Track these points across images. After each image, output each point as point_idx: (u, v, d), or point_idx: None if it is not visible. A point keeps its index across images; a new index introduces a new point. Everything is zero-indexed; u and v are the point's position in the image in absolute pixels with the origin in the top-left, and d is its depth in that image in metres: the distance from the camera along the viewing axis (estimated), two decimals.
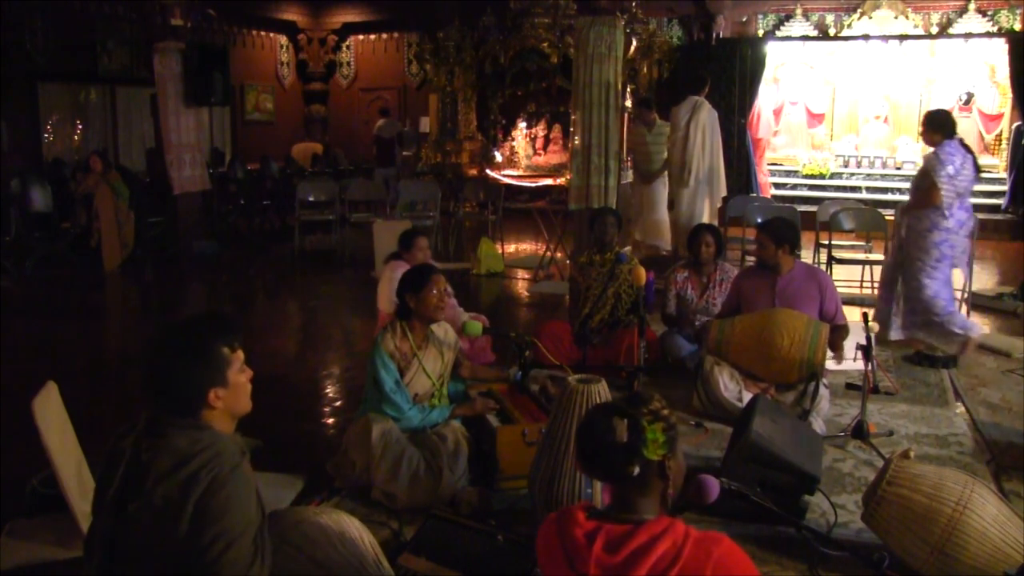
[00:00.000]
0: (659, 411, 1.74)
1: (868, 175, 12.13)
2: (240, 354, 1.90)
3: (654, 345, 4.70)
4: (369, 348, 3.49)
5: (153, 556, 1.72)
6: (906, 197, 10.84)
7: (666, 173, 8.22)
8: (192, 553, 1.69)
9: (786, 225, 4.40)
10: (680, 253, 7.56)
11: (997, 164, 11.66)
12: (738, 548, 1.65)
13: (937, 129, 5.22)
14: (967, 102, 11.91)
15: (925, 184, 5.19)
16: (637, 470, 1.68)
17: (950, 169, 5.11)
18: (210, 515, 1.70)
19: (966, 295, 6.47)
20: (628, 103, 10.15)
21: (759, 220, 6.22)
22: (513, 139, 12.22)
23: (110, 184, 8.30)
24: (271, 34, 14.47)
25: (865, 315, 3.95)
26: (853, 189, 11.79)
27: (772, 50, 11.82)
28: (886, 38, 11.50)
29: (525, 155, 12.09)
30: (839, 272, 6.93)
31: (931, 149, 5.29)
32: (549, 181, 10.81)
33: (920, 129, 5.62)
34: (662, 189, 8.36)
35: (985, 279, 7.68)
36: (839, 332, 4.20)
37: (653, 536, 1.63)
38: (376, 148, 13.27)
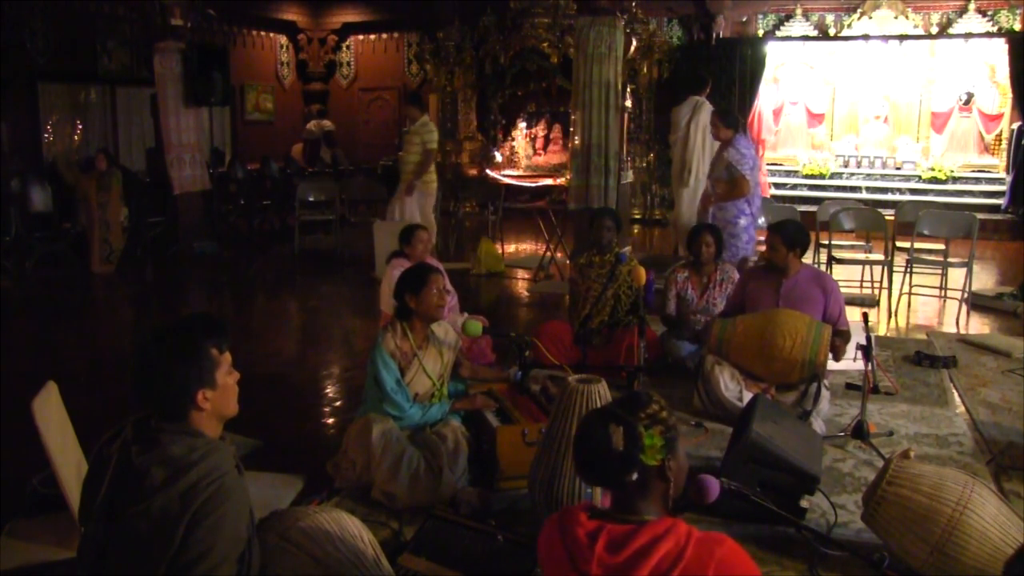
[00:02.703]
0: (657, 414, 1.72)
1: (868, 175, 12.13)
2: (228, 356, 1.90)
3: (654, 345, 4.70)
4: (369, 348, 3.49)
5: (146, 563, 1.71)
6: (906, 197, 10.92)
7: (429, 183, 7.80)
8: (177, 562, 1.69)
9: (798, 229, 4.42)
10: (680, 253, 7.56)
11: (997, 164, 11.67)
12: (740, 549, 1.65)
13: (730, 126, 5.91)
14: (967, 102, 11.91)
15: (731, 176, 5.85)
16: (635, 476, 1.67)
17: (750, 161, 5.88)
18: (202, 531, 1.70)
19: (966, 295, 6.47)
20: (628, 103, 10.16)
21: (770, 221, 6.27)
22: (513, 139, 12.23)
23: (105, 181, 8.29)
24: (271, 34, 14.46)
25: (865, 315, 3.95)
26: (853, 189, 11.79)
27: (772, 50, 11.82)
28: (886, 38, 11.51)
29: (525, 155, 12.10)
30: (839, 272, 6.93)
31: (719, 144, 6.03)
32: (549, 181, 10.82)
33: (712, 129, 6.08)
34: (416, 200, 7.84)
35: (985, 279, 7.68)
36: (841, 337, 4.19)
37: (655, 536, 1.62)
38: (305, 148, 13.33)
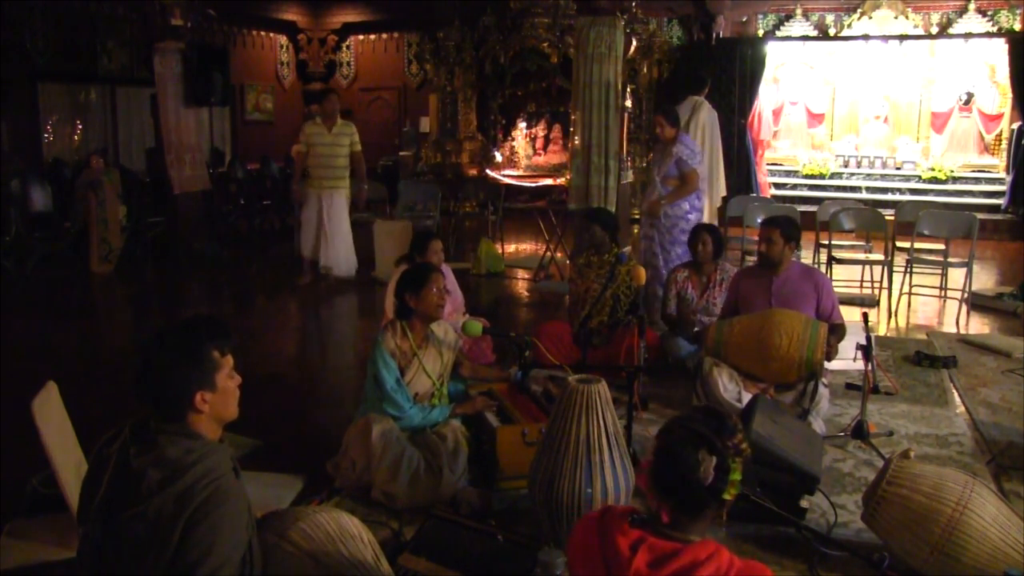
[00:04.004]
0: (739, 444, 1.67)
1: (868, 175, 12.14)
2: (230, 359, 1.90)
3: (654, 345, 4.70)
4: (369, 348, 3.49)
5: (142, 565, 1.71)
6: (906, 197, 10.92)
7: (347, 188, 7.13)
8: (177, 566, 1.69)
9: (792, 222, 4.42)
10: None
11: (997, 164, 11.68)
12: None
13: (674, 124, 5.89)
14: (967, 102, 11.92)
15: (682, 172, 5.82)
16: (712, 508, 1.65)
17: (698, 156, 5.96)
18: (199, 534, 1.69)
19: (966, 295, 6.47)
20: (628, 103, 10.12)
21: (762, 217, 6.25)
22: (513, 139, 12.22)
23: (102, 183, 8.30)
24: (271, 34, 14.46)
25: (865, 315, 3.95)
26: (853, 189, 11.80)
27: (772, 50, 11.82)
28: (886, 38, 11.51)
29: (525, 155, 12.10)
30: (839, 272, 6.93)
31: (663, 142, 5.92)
32: (549, 181, 10.81)
33: (657, 128, 5.99)
34: (340, 208, 7.31)
35: (985, 279, 7.68)
36: (836, 332, 4.19)
37: (696, 560, 1.60)
38: None
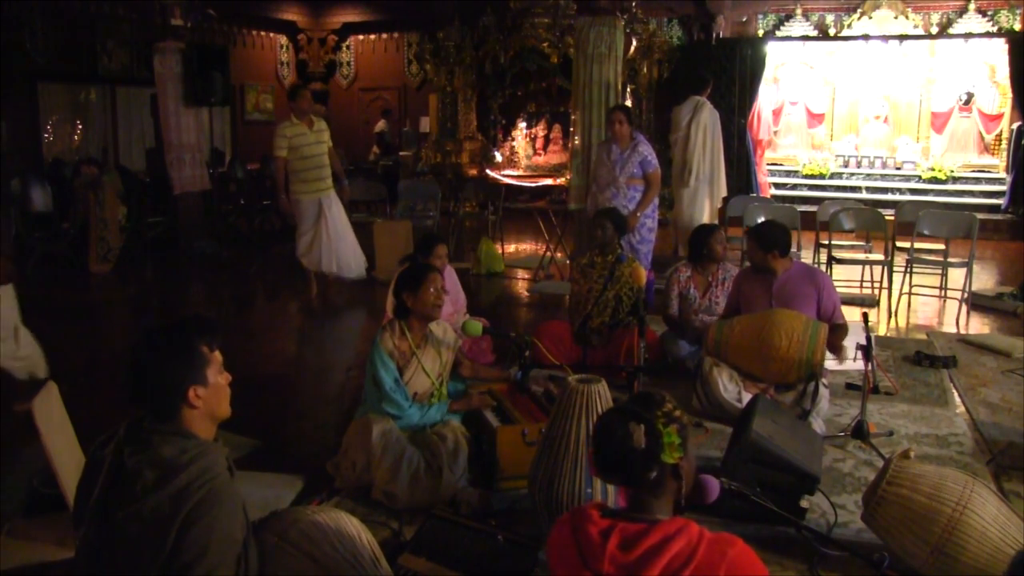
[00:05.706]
0: (672, 412, 1.75)
1: (868, 175, 12.14)
2: (218, 355, 1.91)
3: (654, 345, 4.70)
4: (369, 348, 3.49)
5: (138, 565, 1.71)
6: (906, 197, 10.91)
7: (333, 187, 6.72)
8: (173, 566, 1.69)
9: (774, 229, 4.32)
10: (680, 253, 7.56)
11: (997, 164, 11.67)
12: (751, 551, 1.66)
13: (631, 123, 5.97)
14: (967, 102, 11.91)
15: (646, 173, 5.88)
16: (655, 475, 1.70)
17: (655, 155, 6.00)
18: (195, 534, 1.70)
19: (966, 295, 6.47)
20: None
21: (758, 221, 6.23)
22: (513, 139, 12.24)
23: (101, 184, 8.30)
24: (271, 34, 14.46)
25: (865, 315, 3.94)
26: (853, 189, 11.79)
27: (772, 50, 11.82)
28: (886, 38, 11.51)
29: (525, 155, 12.11)
30: (839, 272, 6.93)
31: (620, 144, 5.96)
32: (549, 181, 10.82)
33: (614, 128, 5.99)
34: (340, 204, 6.93)
35: (985, 279, 7.68)
36: (838, 332, 4.19)
37: (667, 535, 1.64)
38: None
